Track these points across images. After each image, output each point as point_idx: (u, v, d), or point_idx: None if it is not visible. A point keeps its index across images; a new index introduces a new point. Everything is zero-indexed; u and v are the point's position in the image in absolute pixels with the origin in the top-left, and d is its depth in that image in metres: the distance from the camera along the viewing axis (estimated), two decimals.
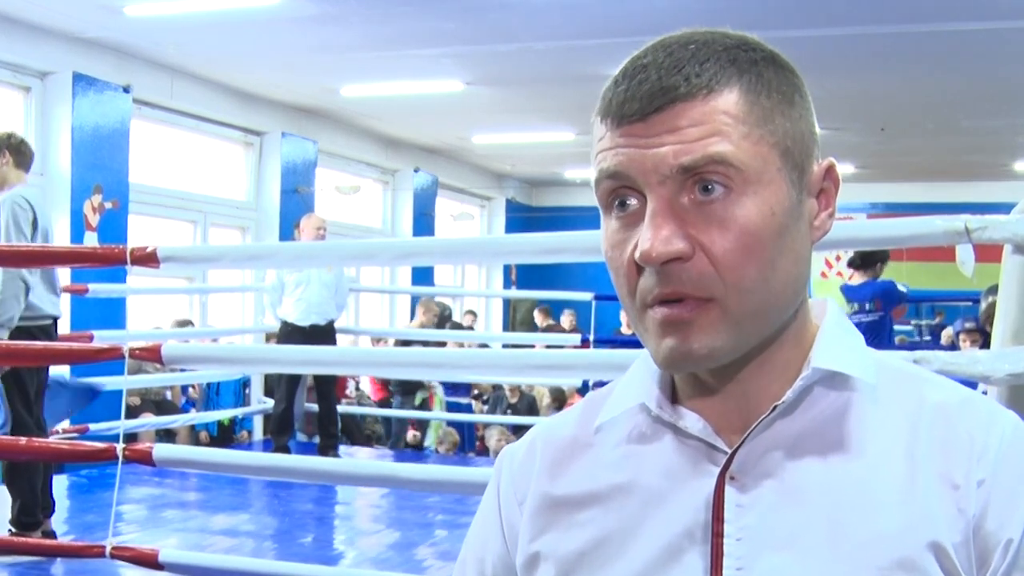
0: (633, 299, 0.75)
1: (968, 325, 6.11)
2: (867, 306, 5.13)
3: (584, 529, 0.80)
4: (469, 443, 8.17)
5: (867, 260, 5.25)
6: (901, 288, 5.28)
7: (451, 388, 8.27)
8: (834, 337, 0.79)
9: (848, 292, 5.36)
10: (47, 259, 3.69)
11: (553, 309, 10.98)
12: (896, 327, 7.40)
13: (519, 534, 0.84)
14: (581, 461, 0.84)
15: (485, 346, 8.79)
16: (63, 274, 4.90)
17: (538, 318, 10.53)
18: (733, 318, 0.73)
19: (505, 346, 8.62)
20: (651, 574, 0.76)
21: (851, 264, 5.37)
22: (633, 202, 0.74)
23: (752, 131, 0.72)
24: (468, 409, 8.28)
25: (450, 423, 8.04)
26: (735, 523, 0.75)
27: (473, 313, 10.91)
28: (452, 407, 8.10)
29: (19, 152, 4.15)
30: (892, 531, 0.72)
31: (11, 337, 3.90)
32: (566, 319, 10.77)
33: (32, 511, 4.03)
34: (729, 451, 0.76)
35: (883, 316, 5.09)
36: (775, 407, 0.76)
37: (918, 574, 0.71)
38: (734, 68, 0.73)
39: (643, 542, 0.77)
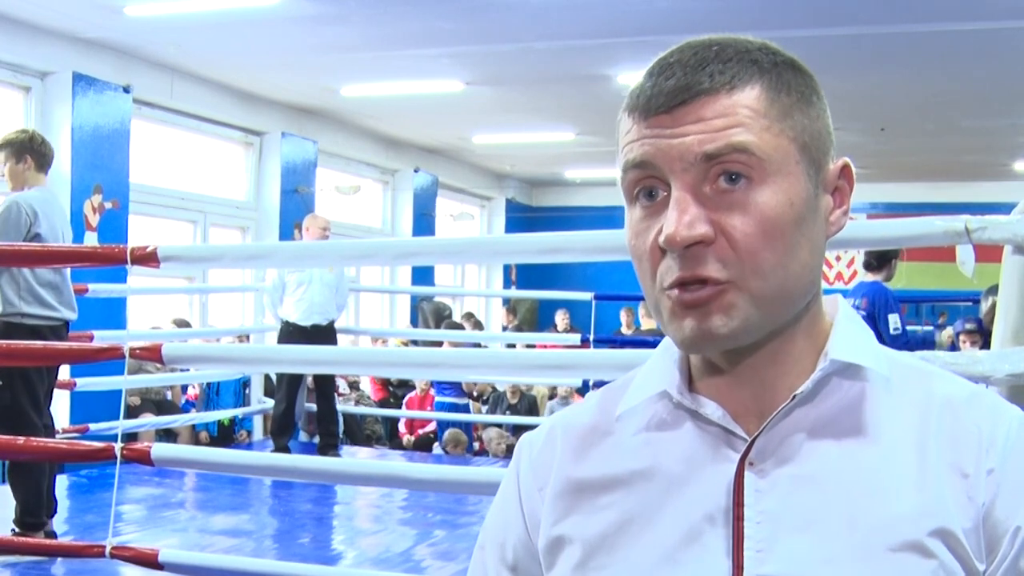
0: (653, 283, 0.78)
1: (968, 326, 6.11)
2: (856, 302, 5.12)
3: (607, 512, 0.83)
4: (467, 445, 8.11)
5: (881, 259, 5.22)
6: (890, 316, 5.15)
7: (442, 388, 8.20)
8: (848, 331, 0.82)
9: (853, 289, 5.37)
10: (47, 259, 3.69)
11: (546, 310, 10.92)
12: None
13: (540, 519, 0.87)
14: (602, 447, 0.86)
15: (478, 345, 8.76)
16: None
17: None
18: (751, 300, 0.75)
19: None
20: (673, 556, 0.79)
21: (867, 267, 5.31)
22: (658, 192, 0.77)
23: (773, 125, 0.76)
24: (465, 409, 8.23)
25: (445, 425, 7.98)
26: (755, 507, 0.77)
27: (471, 315, 10.90)
28: (446, 407, 8.04)
29: (41, 155, 4.15)
30: (904, 515, 0.75)
31: (28, 335, 3.91)
32: (559, 319, 10.78)
33: (36, 512, 4.02)
34: (748, 438, 0.79)
35: (867, 316, 5.04)
36: (794, 396, 0.79)
37: (929, 557, 0.74)
38: (755, 67, 0.77)
39: (665, 525, 0.80)
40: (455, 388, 8.15)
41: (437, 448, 7.86)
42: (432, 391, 8.22)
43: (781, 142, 0.76)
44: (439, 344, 7.66)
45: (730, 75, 0.75)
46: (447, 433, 7.80)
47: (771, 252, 0.75)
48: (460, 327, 9.41)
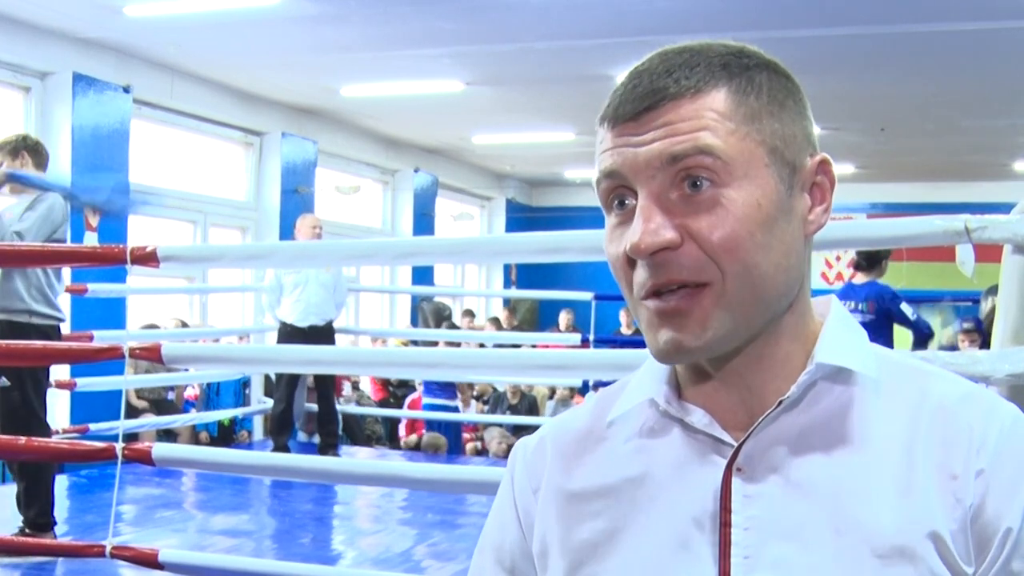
0: (631, 293, 0.78)
1: (967, 325, 6.11)
2: (860, 306, 5.09)
3: (596, 520, 0.83)
4: (455, 448, 7.92)
5: (872, 260, 5.19)
6: (903, 306, 5.09)
7: (431, 390, 7.98)
8: (838, 333, 0.81)
9: (844, 291, 5.31)
10: (47, 259, 3.69)
11: (546, 310, 10.89)
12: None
13: (534, 522, 0.87)
14: (594, 454, 0.86)
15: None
16: (63, 274, 4.90)
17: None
18: (727, 303, 0.75)
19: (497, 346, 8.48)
20: (661, 562, 0.79)
21: (857, 267, 5.28)
22: (630, 201, 0.77)
23: (739, 128, 0.75)
24: (454, 412, 8.07)
25: (436, 426, 7.89)
26: (742, 513, 0.77)
27: (471, 313, 10.90)
28: (434, 409, 7.92)
29: (37, 153, 4.16)
30: (891, 521, 0.74)
31: (36, 334, 3.92)
32: (563, 319, 10.78)
33: (49, 511, 4.02)
34: (735, 444, 0.78)
35: (875, 319, 5.02)
36: (780, 402, 0.78)
37: (916, 562, 0.73)
38: (724, 72, 0.77)
39: (653, 532, 0.80)
40: (446, 391, 7.98)
41: None
42: (421, 392, 8.03)
43: (747, 145, 0.75)
44: (458, 344, 7.54)
45: (695, 79, 0.75)
46: (426, 437, 7.69)
47: (740, 254, 0.74)
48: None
